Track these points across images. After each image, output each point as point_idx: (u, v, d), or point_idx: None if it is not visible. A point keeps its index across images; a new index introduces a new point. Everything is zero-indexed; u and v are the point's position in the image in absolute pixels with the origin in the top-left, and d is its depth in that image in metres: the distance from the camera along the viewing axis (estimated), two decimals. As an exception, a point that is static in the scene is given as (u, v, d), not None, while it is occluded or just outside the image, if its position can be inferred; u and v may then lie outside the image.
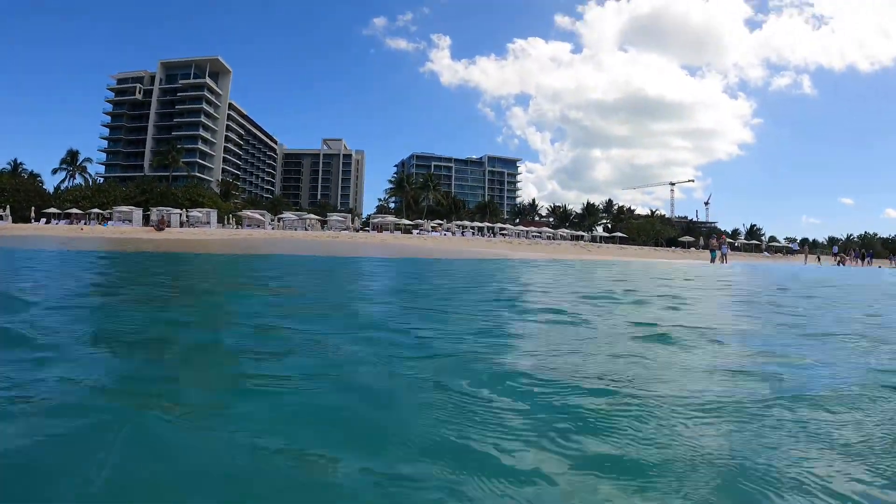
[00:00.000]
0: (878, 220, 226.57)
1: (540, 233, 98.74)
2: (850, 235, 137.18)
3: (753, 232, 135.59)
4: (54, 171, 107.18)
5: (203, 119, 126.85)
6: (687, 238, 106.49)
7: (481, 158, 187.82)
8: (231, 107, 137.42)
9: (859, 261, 65.92)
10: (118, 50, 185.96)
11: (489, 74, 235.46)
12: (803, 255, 61.76)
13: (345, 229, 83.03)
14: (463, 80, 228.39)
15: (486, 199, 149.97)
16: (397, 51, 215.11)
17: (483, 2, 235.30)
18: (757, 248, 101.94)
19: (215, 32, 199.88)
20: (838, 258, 58.24)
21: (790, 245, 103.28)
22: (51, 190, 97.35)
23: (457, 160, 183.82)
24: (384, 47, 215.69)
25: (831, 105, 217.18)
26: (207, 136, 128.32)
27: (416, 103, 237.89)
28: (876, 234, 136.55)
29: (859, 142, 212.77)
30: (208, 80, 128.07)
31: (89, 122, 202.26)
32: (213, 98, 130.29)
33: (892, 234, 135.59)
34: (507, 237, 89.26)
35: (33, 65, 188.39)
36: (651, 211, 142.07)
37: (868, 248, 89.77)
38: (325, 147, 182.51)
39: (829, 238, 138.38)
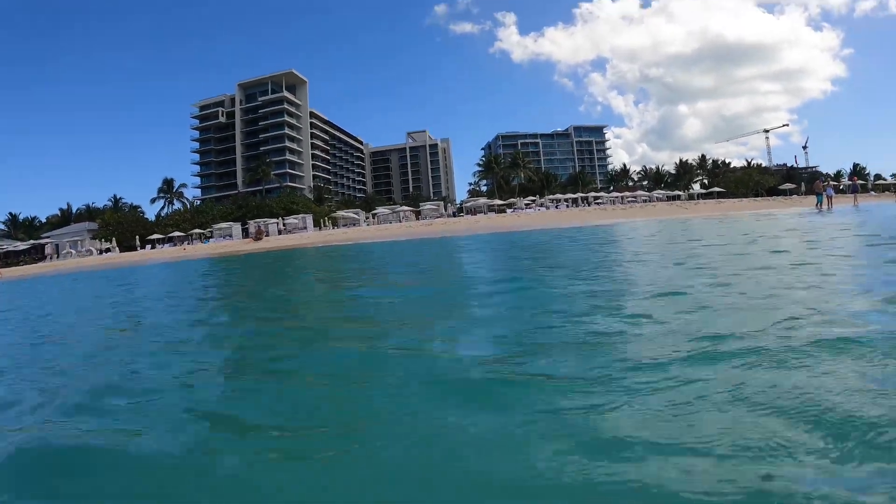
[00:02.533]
0: None
1: (635, 197, 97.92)
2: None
3: (858, 172, 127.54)
4: (153, 201, 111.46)
5: (287, 131, 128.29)
6: (788, 185, 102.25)
7: (567, 130, 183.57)
8: (312, 115, 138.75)
9: None
10: (196, 78, 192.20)
11: (560, 44, 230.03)
12: None
13: (438, 216, 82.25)
14: (534, 55, 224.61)
15: (577, 171, 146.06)
16: (463, 35, 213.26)
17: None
18: (863, 189, 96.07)
19: (285, 47, 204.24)
20: None
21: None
22: (152, 218, 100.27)
23: (542, 135, 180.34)
24: (450, 34, 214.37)
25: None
26: (294, 146, 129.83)
27: (492, 84, 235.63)
28: None
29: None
30: (286, 94, 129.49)
31: (179, 151, 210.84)
32: (293, 110, 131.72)
33: None
34: (601, 205, 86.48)
35: (120, 104, 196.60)
36: (747, 161, 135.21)
37: None
38: (410, 140, 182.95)
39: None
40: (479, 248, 17.27)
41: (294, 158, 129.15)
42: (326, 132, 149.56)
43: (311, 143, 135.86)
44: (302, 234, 70.86)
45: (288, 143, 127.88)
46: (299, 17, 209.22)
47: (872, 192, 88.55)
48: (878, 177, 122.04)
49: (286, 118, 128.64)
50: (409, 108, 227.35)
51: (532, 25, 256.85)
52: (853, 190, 47.98)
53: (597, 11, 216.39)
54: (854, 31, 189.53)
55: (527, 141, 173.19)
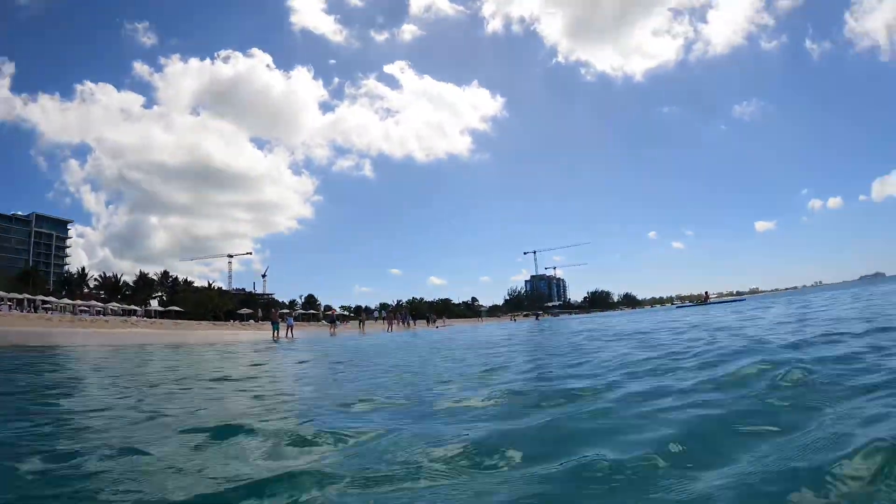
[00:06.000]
0: (425, 287, 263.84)
1: (88, 308, 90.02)
2: (400, 301, 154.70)
3: (311, 302, 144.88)
4: None
5: None
6: (246, 310, 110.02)
7: (29, 216, 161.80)
8: None
9: (404, 323, 71.29)
10: None
11: (50, 117, 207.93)
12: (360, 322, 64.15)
13: None
14: (19, 119, 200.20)
15: (31, 267, 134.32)
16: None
17: (58, 26, 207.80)
18: (315, 318, 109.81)
19: None
20: (386, 322, 57.11)
21: (344, 312, 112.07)
22: None
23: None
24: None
25: (388, 187, 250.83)
26: None
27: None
28: (423, 299, 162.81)
29: (407, 220, 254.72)
30: None
31: None
32: None
33: (435, 298, 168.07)
34: (49, 312, 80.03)
35: None
36: (209, 283, 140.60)
37: (415, 311, 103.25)
38: None
39: (380, 304, 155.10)
40: None
41: None
42: None
43: None
44: None
45: None
46: None
47: (324, 322, 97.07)
48: (328, 307, 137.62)
49: None
50: None
51: (28, 86, 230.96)
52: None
53: (99, 94, 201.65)
54: (328, 181, 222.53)
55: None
